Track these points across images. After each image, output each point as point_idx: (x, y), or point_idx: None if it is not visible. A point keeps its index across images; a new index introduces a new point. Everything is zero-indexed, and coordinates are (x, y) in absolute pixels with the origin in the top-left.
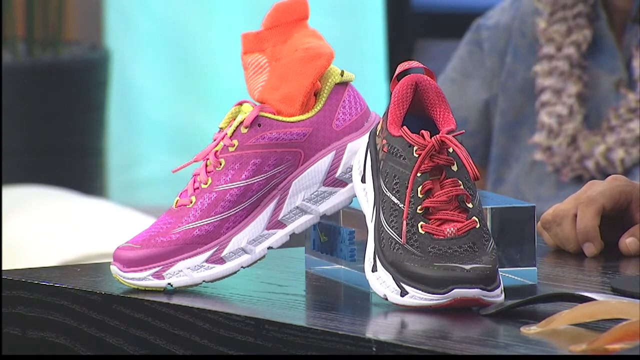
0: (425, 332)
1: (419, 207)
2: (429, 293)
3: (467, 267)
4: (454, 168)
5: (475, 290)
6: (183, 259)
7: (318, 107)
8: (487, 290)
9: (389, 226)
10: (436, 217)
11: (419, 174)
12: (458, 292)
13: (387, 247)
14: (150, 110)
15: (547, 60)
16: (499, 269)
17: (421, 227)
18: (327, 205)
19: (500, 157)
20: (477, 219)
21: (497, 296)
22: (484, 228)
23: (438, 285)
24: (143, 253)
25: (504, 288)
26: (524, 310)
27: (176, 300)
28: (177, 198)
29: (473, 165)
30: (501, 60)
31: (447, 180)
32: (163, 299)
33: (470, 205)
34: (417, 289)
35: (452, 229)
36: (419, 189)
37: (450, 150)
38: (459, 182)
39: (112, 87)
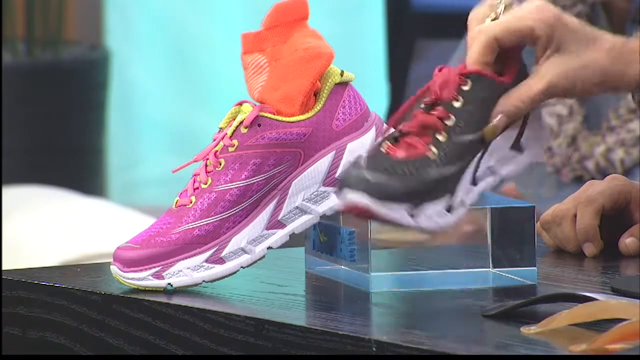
0: (425, 332)
1: (397, 130)
2: (336, 196)
3: (369, 175)
4: (456, 104)
5: (363, 197)
6: (183, 259)
7: (318, 107)
8: (379, 200)
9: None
10: (405, 140)
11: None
12: (345, 195)
13: None
14: (150, 110)
15: None
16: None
17: (386, 146)
18: (327, 205)
19: None
20: (434, 149)
21: (397, 210)
22: (442, 160)
23: (339, 187)
24: (143, 253)
25: (504, 288)
26: (524, 310)
27: (176, 300)
28: (177, 198)
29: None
30: None
31: (433, 111)
32: (163, 299)
33: (440, 138)
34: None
35: (403, 153)
36: (410, 114)
37: (466, 87)
38: (446, 114)
39: (112, 87)
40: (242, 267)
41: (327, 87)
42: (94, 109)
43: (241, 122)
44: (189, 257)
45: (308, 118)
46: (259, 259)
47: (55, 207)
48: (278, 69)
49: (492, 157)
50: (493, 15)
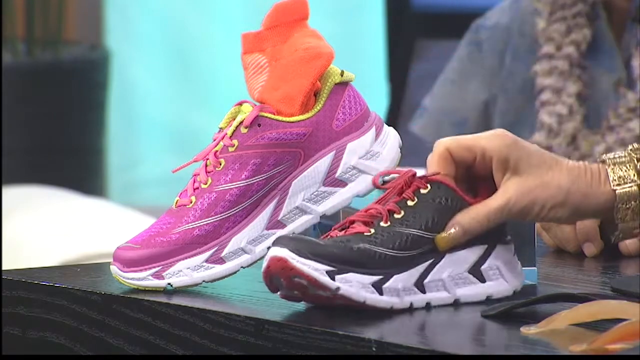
0: (425, 332)
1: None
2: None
3: (299, 236)
4: (409, 203)
5: (284, 250)
6: (183, 259)
7: (318, 107)
8: (297, 256)
9: None
10: (351, 227)
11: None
12: (271, 250)
13: None
14: (150, 110)
15: (547, 60)
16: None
17: (332, 232)
18: (327, 205)
19: None
20: (372, 230)
21: (314, 269)
22: (378, 239)
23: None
24: (143, 253)
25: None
26: (524, 310)
27: (176, 300)
28: (177, 198)
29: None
30: (500, 60)
31: (387, 204)
32: (163, 299)
33: (383, 224)
34: None
35: (342, 232)
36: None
37: (424, 191)
38: (396, 209)
39: (112, 87)
40: (242, 267)
41: (327, 87)
42: (94, 109)
43: (241, 122)
44: (189, 257)
45: (308, 118)
46: (259, 259)
47: (55, 207)
48: (278, 69)
49: (445, 270)
50: None
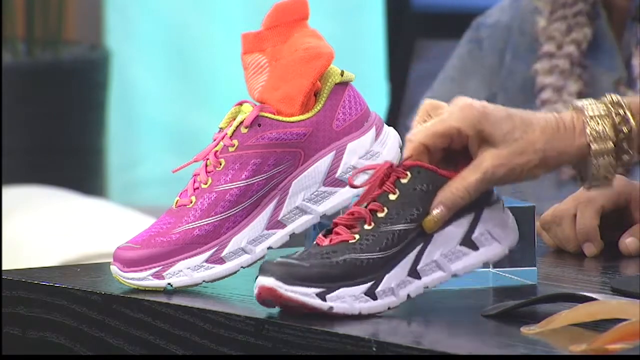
0: (425, 332)
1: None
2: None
3: (281, 260)
4: (391, 197)
5: (270, 279)
6: (183, 259)
7: (318, 107)
8: (284, 284)
9: None
10: (335, 231)
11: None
12: (258, 280)
13: None
14: (150, 110)
15: (548, 59)
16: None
17: (318, 238)
18: (327, 205)
19: None
20: (357, 236)
21: (303, 294)
22: (363, 246)
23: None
24: (143, 253)
25: (504, 288)
26: (524, 310)
27: (176, 300)
28: (177, 198)
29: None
30: (501, 59)
31: (370, 204)
32: (163, 299)
33: (367, 227)
34: None
35: (328, 240)
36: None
37: (404, 180)
38: (379, 207)
39: (112, 87)
40: (242, 267)
41: (327, 87)
42: (94, 109)
43: (241, 122)
44: (189, 257)
45: (308, 118)
46: (259, 259)
47: (55, 207)
48: (278, 69)
49: (436, 251)
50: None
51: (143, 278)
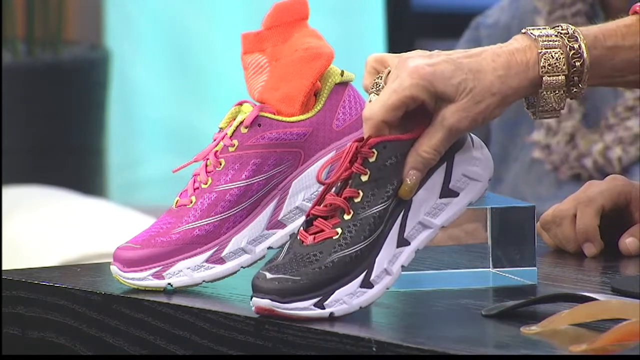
0: (425, 332)
1: (310, 215)
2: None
3: (270, 276)
4: (363, 178)
5: (265, 300)
6: (183, 259)
7: (318, 107)
8: (280, 302)
9: None
10: (315, 224)
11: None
12: (254, 301)
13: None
14: (150, 110)
15: None
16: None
17: (299, 232)
18: None
19: (499, 157)
20: (339, 230)
21: (301, 309)
22: (347, 239)
23: (252, 291)
24: (143, 253)
25: (504, 288)
26: (524, 310)
27: (176, 300)
28: (177, 198)
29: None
30: None
31: (342, 192)
32: (163, 299)
33: (346, 217)
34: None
35: (312, 237)
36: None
37: (372, 159)
38: (354, 193)
39: (112, 87)
40: (242, 267)
41: (327, 87)
42: (94, 109)
43: (241, 122)
44: (189, 257)
45: (308, 118)
46: (259, 259)
47: (55, 207)
48: (278, 69)
49: (419, 212)
50: (375, 90)
51: (143, 278)
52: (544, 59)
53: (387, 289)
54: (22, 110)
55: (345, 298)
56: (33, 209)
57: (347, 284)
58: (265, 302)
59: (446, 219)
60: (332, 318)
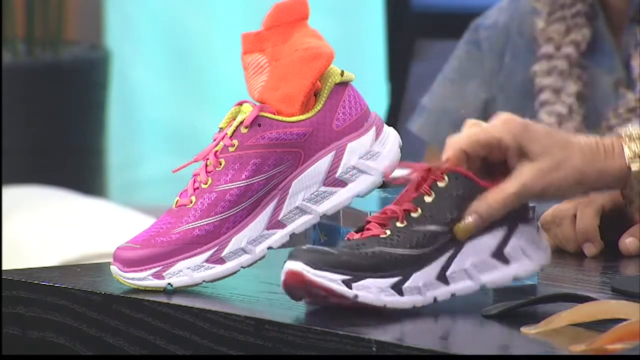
0: (425, 332)
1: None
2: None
3: (312, 249)
4: (428, 199)
5: (298, 263)
6: (183, 259)
7: (318, 107)
8: (313, 267)
9: None
10: (367, 227)
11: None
12: (286, 264)
13: None
14: (150, 110)
15: (546, 60)
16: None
17: (349, 234)
18: (327, 206)
19: None
20: (388, 232)
21: (329, 279)
22: (394, 241)
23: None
24: (143, 253)
25: (504, 288)
26: (525, 310)
27: (176, 300)
28: (177, 198)
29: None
30: (500, 60)
31: (405, 206)
32: (163, 299)
33: (399, 224)
34: None
35: (359, 236)
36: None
37: (441, 184)
38: (413, 207)
39: (112, 87)
40: (242, 267)
41: (327, 87)
42: (94, 109)
43: (241, 122)
44: (189, 257)
45: (308, 118)
46: (259, 259)
47: (55, 207)
48: (278, 69)
49: (467, 259)
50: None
51: (143, 278)
52: (629, 148)
53: (414, 307)
54: (22, 110)
55: (374, 289)
56: (33, 209)
57: (380, 278)
58: (297, 265)
59: (490, 281)
60: (354, 302)
